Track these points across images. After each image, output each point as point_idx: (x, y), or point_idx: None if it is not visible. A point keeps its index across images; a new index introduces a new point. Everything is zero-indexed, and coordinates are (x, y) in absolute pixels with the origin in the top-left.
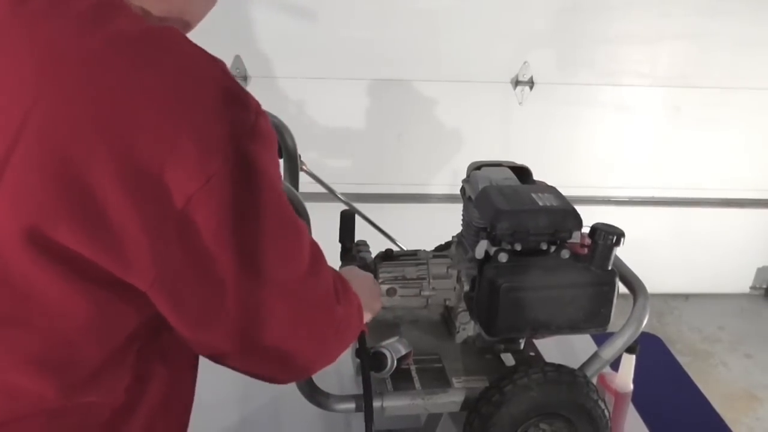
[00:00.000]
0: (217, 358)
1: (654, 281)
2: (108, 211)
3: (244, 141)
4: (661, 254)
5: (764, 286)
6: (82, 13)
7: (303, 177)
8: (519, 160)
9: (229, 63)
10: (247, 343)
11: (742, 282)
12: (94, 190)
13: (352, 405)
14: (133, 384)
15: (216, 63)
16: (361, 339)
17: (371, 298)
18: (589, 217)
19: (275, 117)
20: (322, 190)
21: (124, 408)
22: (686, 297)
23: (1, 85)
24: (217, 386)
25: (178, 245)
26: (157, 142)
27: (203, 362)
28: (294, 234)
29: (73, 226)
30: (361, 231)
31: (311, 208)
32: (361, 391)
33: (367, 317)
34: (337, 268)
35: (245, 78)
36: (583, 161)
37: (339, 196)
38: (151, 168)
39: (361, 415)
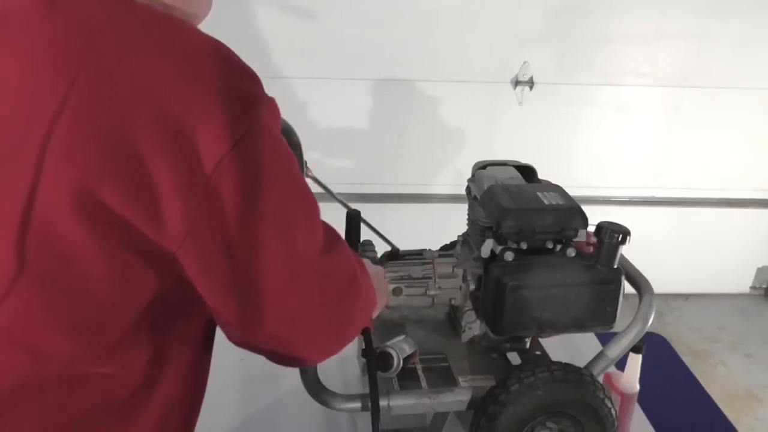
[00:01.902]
0: (237, 331)
1: (654, 281)
2: (148, 171)
3: (264, 111)
4: (661, 254)
5: (764, 286)
6: (113, 1)
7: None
8: (520, 160)
9: None
10: (264, 311)
11: (742, 282)
12: (136, 151)
13: (358, 404)
14: (151, 365)
15: (230, 50)
16: (367, 338)
17: (380, 292)
18: (589, 217)
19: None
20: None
21: (142, 389)
22: (686, 297)
23: (48, 56)
24: (219, 385)
25: (208, 206)
26: (190, 108)
27: None
28: (311, 206)
29: (118, 186)
30: (367, 231)
31: None
32: (367, 391)
33: (374, 312)
34: None
35: None
36: (582, 161)
37: (344, 202)
38: (185, 131)
39: (366, 415)
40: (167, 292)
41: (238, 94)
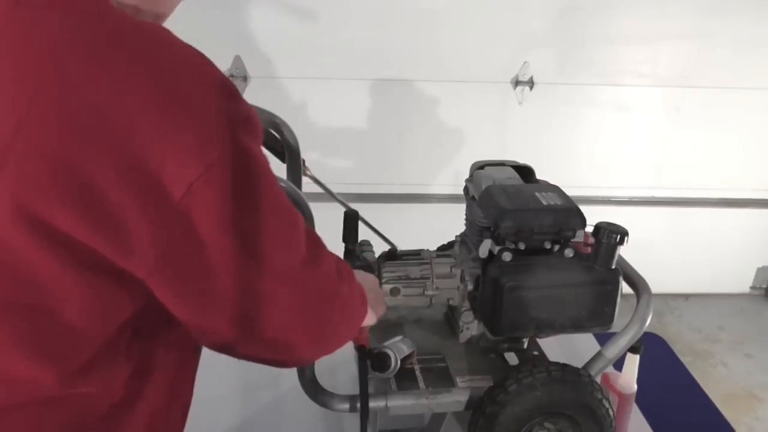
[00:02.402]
0: (220, 347)
1: (654, 281)
2: (108, 201)
3: (240, 131)
4: (661, 254)
5: (764, 286)
6: (79, 7)
7: (305, 178)
8: (519, 160)
9: (229, 63)
10: (249, 329)
11: (742, 282)
12: (93, 182)
13: (356, 405)
14: (132, 379)
15: (206, 58)
16: (361, 353)
17: (374, 302)
18: (589, 217)
19: (278, 117)
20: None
21: (123, 403)
22: (686, 297)
23: (3, 77)
24: (217, 385)
25: (179, 232)
26: (157, 132)
27: (203, 360)
28: (291, 222)
29: (73, 214)
30: (365, 231)
31: (314, 208)
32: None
33: (371, 320)
34: None
35: (245, 78)
36: (582, 161)
37: (342, 201)
38: (150, 158)
39: None
40: (145, 309)
41: (212, 114)
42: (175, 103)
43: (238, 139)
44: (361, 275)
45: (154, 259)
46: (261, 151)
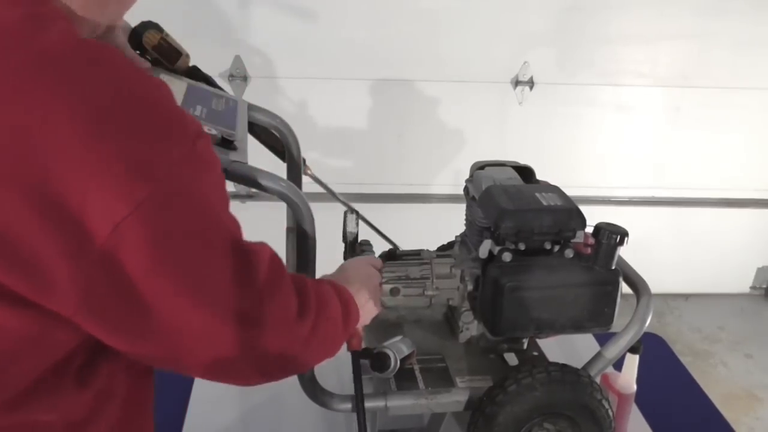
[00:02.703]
0: (163, 367)
1: (654, 281)
2: (23, 241)
3: (179, 166)
4: (661, 254)
5: (764, 286)
6: (11, 26)
7: (305, 178)
8: (519, 160)
9: (229, 63)
10: (191, 360)
11: (742, 282)
12: (6, 218)
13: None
14: (92, 401)
15: (152, 83)
16: (355, 362)
17: (368, 299)
18: (589, 217)
19: (278, 117)
20: (324, 190)
21: (83, 425)
22: (686, 297)
23: None
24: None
25: (104, 274)
26: (80, 167)
27: None
28: (238, 258)
29: None
30: (365, 231)
31: (314, 208)
32: (366, 391)
33: (365, 321)
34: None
35: (245, 78)
36: (583, 161)
37: (344, 201)
38: (71, 194)
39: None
40: (85, 340)
41: (146, 146)
42: (102, 135)
43: (175, 175)
44: (354, 269)
45: (77, 299)
46: (209, 183)
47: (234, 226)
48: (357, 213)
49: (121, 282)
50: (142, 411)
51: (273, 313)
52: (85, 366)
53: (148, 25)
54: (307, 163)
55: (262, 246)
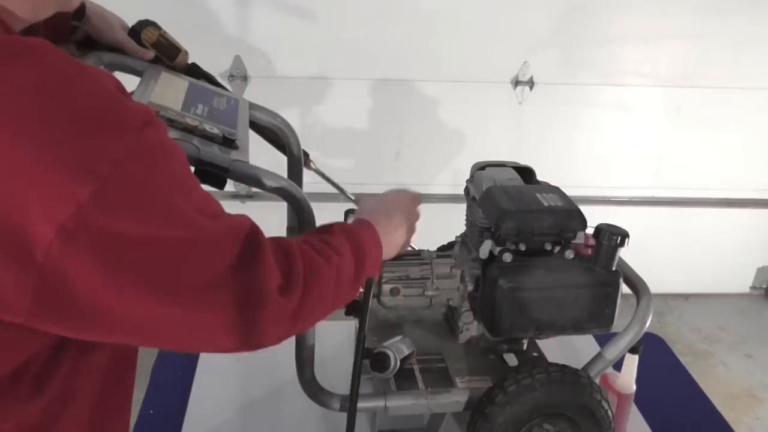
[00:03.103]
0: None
1: (654, 281)
2: None
3: (125, 159)
4: (661, 254)
5: (764, 286)
6: None
7: (306, 178)
8: (519, 160)
9: (229, 63)
10: (177, 345)
11: (742, 282)
12: None
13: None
14: (49, 408)
15: (88, 75)
16: (361, 341)
17: (400, 223)
18: (589, 217)
19: (279, 116)
20: (325, 190)
21: (38, 430)
22: (686, 297)
23: None
24: (217, 385)
25: (52, 280)
26: (16, 178)
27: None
28: (202, 245)
29: None
30: None
31: (314, 208)
32: (366, 391)
33: (395, 248)
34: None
35: (245, 78)
36: (583, 161)
37: (346, 193)
38: (12, 210)
39: (365, 415)
40: (48, 343)
41: (82, 147)
42: (36, 136)
43: (120, 170)
44: (395, 199)
45: (28, 306)
46: (161, 172)
47: (199, 207)
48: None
49: (74, 285)
50: (111, 412)
51: (248, 292)
52: (42, 371)
53: (145, 23)
54: (311, 158)
55: (238, 221)
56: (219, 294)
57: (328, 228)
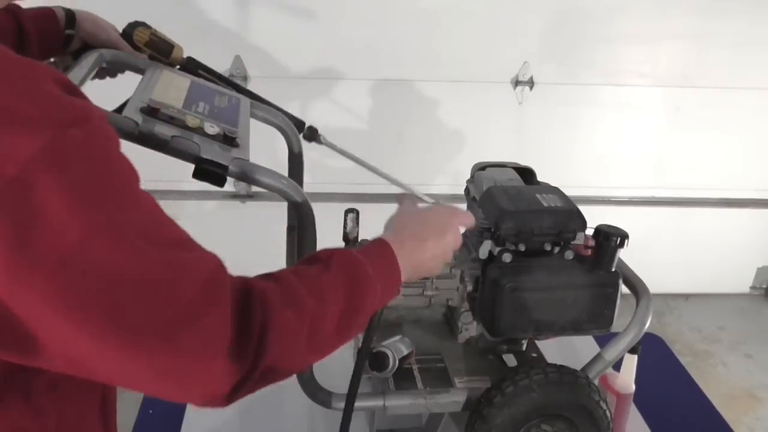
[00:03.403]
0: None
1: (654, 281)
2: None
3: (37, 161)
4: (661, 254)
5: (764, 286)
6: None
7: (306, 177)
8: (519, 161)
9: (229, 63)
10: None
11: (742, 282)
12: None
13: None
14: (22, 418)
15: (20, 71)
16: (367, 339)
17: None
18: (589, 217)
19: (280, 115)
20: (325, 190)
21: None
22: (686, 297)
23: None
24: None
25: None
26: None
27: None
28: (130, 276)
29: None
30: (365, 231)
31: (314, 207)
32: (365, 390)
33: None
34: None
35: (245, 78)
36: (583, 161)
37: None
38: None
39: (364, 414)
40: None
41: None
42: None
43: (32, 169)
44: (434, 218)
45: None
46: (87, 173)
47: (143, 231)
48: (356, 212)
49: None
50: (86, 425)
51: (183, 350)
52: (24, 386)
53: (135, 24)
54: (321, 135)
55: (197, 259)
56: (148, 341)
57: (328, 257)
